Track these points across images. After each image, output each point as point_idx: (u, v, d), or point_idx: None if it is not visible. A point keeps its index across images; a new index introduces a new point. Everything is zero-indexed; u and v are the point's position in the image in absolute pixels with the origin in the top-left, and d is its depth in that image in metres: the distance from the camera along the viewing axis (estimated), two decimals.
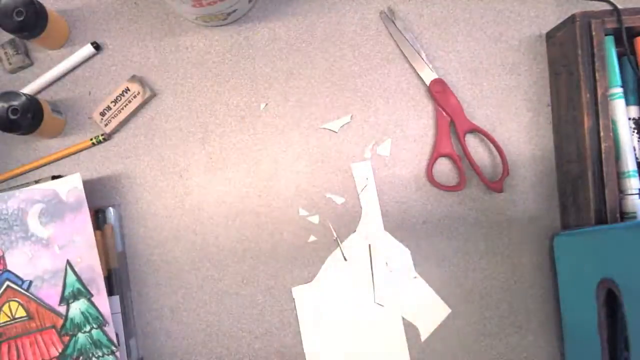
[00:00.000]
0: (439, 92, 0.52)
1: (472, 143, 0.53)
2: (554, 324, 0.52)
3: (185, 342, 0.53)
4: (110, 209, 0.52)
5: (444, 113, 0.52)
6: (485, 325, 0.52)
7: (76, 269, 0.47)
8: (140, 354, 0.52)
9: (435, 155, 0.52)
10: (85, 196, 0.48)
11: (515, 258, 0.53)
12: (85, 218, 0.47)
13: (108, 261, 0.50)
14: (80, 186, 0.47)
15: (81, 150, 0.53)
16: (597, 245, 0.41)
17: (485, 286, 0.53)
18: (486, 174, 0.53)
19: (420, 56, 0.53)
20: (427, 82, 0.53)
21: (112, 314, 0.50)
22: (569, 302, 0.47)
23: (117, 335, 0.50)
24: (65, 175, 0.53)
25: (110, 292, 0.50)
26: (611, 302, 0.41)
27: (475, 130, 0.52)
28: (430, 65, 0.53)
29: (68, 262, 0.47)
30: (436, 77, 0.53)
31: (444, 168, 0.53)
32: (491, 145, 0.53)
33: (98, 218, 0.52)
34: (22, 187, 0.52)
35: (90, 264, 0.47)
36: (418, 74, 0.53)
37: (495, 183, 0.52)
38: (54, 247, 0.47)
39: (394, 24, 0.53)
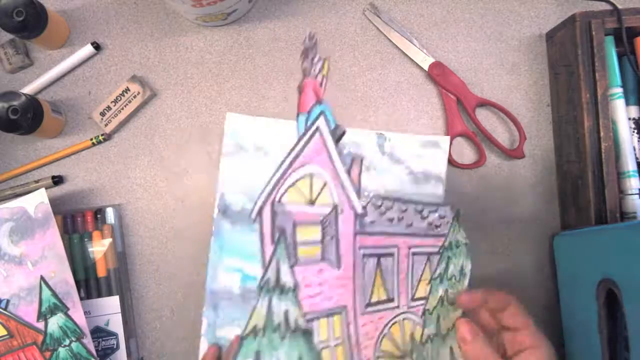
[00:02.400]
0: (439, 74, 0.52)
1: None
2: (554, 324, 0.52)
3: (185, 342, 0.53)
4: (110, 209, 0.52)
5: (448, 94, 0.52)
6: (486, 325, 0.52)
7: (50, 284, 0.47)
8: (140, 354, 0.52)
9: (450, 136, 0.52)
10: (51, 210, 0.47)
11: (515, 258, 0.53)
12: (54, 232, 0.47)
13: (108, 261, 0.50)
14: (46, 201, 0.47)
15: (81, 150, 0.53)
16: (597, 245, 0.41)
17: (485, 286, 0.52)
18: (503, 143, 0.53)
19: (413, 43, 0.53)
20: (426, 68, 0.53)
21: (112, 314, 0.50)
22: (569, 302, 0.47)
23: (116, 335, 0.50)
24: (65, 176, 0.53)
25: (110, 292, 0.50)
26: (611, 302, 0.41)
27: (483, 103, 0.53)
28: (425, 50, 0.53)
29: (42, 278, 0.47)
30: (433, 60, 0.53)
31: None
32: (502, 115, 0.53)
33: (98, 218, 0.52)
34: (22, 187, 0.52)
35: (63, 277, 0.47)
36: (415, 62, 0.53)
37: (515, 150, 0.52)
38: (27, 264, 0.47)
39: (380, 18, 0.53)
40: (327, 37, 0.54)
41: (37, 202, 0.48)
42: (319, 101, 0.41)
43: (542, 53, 0.54)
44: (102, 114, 0.52)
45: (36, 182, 0.52)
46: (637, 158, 0.48)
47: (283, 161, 0.40)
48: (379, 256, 0.44)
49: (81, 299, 0.49)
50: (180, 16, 0.54)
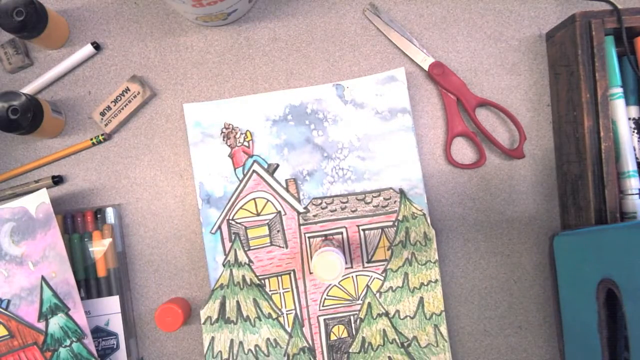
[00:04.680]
0: (439, 74, 0.52)
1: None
2: (554, 324, 0.52)
3: (185, 342, 0.53)
4: (110, 209, 0.52)
5: (448, 94, 0.52)
6: (485, 325, 0.52)
7: (51, 284, 0.47)
8: (140, 354, 0.52)
9: (450, 136, 0.52)
10: (53, 210, 0.48)
11: (515, 258, 0.53)
12: (55, 232, 0.47)
13: (108, 261, 0.50)
14: (48, 201, 0.48)
15: (81, 150, 0.53)
16: (597, 245, 0.41)
17: (485, 286, 0.53)
18: (504, 143, 0.53)
19: (413, 44, 0.53)
20: (426, 68, 0.53)
21: (112, 314, 0.50)
22: (569, 302, 0.47)
23: (116, 335, 0.50)
24: (65, 176, 0.53)
25: (110, 292, 0.50)
26: (611, 302, 0.41)
27: (483, 103, 0.53)
28: (425, 50, 0.53)
29: (43, 278, 0.47)
30: (433, 60, 0.53)
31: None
32: (502, 115, 0.53)
33: (98, 218, 0.52)
34: (22, 187, 0.52)
35: (64, 277, 0.47)
36: (415, 62, 0.53)
37: (515, 150, 0.52)
38: (28, 264, 0.47)
39: (380, 18, 0.53)
40: (327, 37, 0.54)
41: (38, 202, 0.48)
42: (250, 156, 0.52)
43: (542, 53, 0.54)
44: (102, 114, 0.52)
45: (36, 182, 0.52)
46: (637, 158, 0.48)
47: (231, 196, 0.52)
48: (325, 236, 0.52)
49: (81, 298, 0.49)
50: (180, 16, 0.54)
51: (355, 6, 0.54)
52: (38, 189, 0.49)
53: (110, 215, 0.52)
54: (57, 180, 0.52)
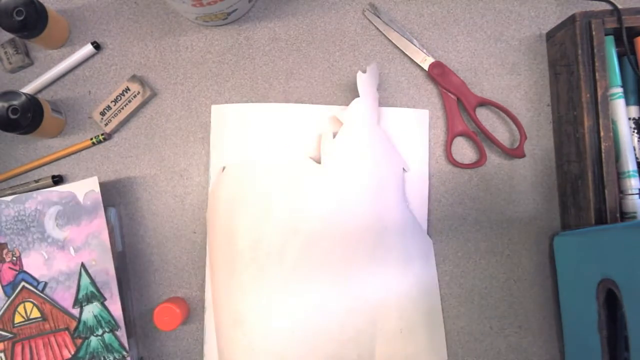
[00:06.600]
0: (439, 74, 0.52)
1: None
2: (554, 324, 0.52)
3: (185, 342, 0.53)
4: (110, 209, 0.52)
5: (449, 93, 0.52)
6: (485, 325, 0.52)
7: (90, 272, 0.47)
8: (140, 354, 0.52)
9: (450, 136, 0.52)
10: (101, 199, 0.48)
11: (515, 258, 0.53)
12: (101, 221, 0.47)
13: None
14: (97, 189, 0.48)
15: (81, 150, 0.53)
16: (597, 245, 0.41)
17: (485, 286, 0.53)
18: (504, 142, 0.53)
19: (413, 44, 0.53)
20: (426, 68, 0.53)
21: None
22: (569, 302, 0.47)
23: None
24: (65, 175, 0.53)
25: None
26: (611, 302, 0.41)
27: (483, 102, 0.53)
28: (425, 50, 0.53)
29: (82, 265, 0.47)
30: (433, 60, 0.53)
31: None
32: (503, 115, 0.53)
33: None
34: (22, 186, 0.52)
35: (104, 267, 0.47)
36: (415, 62, 0.53)
37: (516, 149, 0.52)
38: (69, 249, 0.47)
39: (380, 18, 0.53)
40: (327, 37, 0.54)
41: (87, 189, 0.48)
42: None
43: (542, 53, 0.54)
44: (102, 113, 0.52)
45: (36, 181, 0.52)
46: (637, 158, 0.48)
47: None
48: None
49: None
50: (180, 16, 0.54)
51: (355, 6, 0.54)
52: (38, 189, 0.49)
53: (110, 215, 0.51)
54: (57, 180, 0.52)
